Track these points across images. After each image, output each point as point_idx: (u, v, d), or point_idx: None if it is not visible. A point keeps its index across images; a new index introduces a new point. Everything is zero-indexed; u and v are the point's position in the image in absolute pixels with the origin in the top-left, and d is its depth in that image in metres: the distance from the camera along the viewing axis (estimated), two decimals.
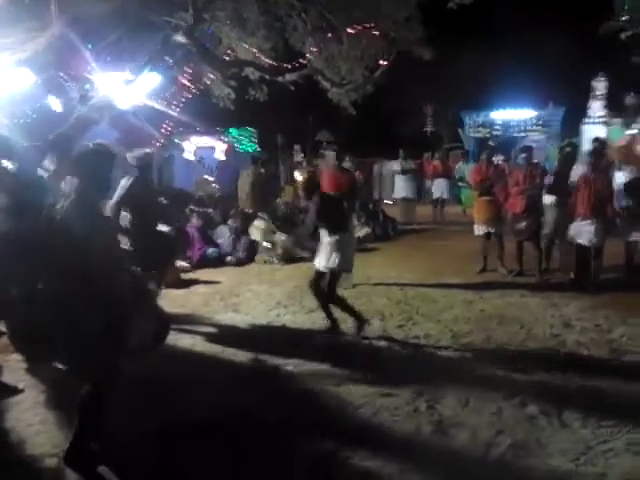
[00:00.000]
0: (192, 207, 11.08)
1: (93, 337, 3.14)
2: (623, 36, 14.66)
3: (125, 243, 5.85)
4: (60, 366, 4.06)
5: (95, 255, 3.13)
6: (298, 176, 11.56)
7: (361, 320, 5.54)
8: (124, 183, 5.96)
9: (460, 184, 13.96)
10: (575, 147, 9.59)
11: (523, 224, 7.64)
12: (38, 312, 3.43)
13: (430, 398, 4.24)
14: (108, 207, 6.17)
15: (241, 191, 12.00)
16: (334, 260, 5.38)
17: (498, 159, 14.57)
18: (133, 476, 3.38)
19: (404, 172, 13.79)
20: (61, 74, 10.34)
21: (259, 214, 10.35)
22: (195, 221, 9.85)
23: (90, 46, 9.78)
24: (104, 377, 3.34)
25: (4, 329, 5.30)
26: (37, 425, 3.94)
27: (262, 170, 12.27)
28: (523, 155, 7.96)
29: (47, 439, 3.73)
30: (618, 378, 4.54)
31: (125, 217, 5.95)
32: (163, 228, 6.64)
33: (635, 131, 15.31)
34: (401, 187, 13.83)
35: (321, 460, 3.50)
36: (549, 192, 7.83)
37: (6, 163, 5.11)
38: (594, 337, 5.46)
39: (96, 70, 10.03)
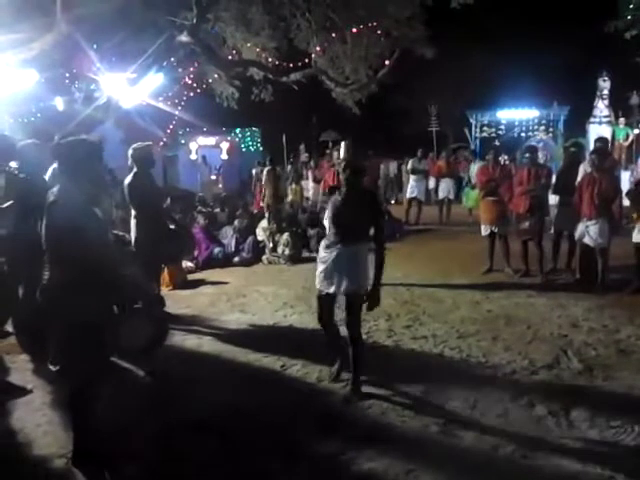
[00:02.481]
0: (200, 208, 11.12)
1: (83, 336, 3.14)
2: (628, 35, 14.60)
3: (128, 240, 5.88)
4: (53, 367, 4.07)
5: (83, 251, 3.11)
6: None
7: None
8: (125, 182, 5.97)
9: (469, 186, 13.92)
10: (580, 147, 9.55)
11: (527, 224, 7.63)
12: (39, 310, 3.43)
13: (437, 399, 4.23)
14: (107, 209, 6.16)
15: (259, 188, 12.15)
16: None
17: (504, 159, 14.60)
18: (138, 475, 3.39)
19: (413, 172, 13.77)
20: (66, 74, 10.39)
21: (265, 214, 10.38)
22: (201, 222, 9.86)
23: (95, 46, 9.81)
24: (91, 377, 3.32)
25: (11, 329, 5.33)
26: (45, 426, 3.95)
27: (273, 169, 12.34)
28: (527, 155, 7.94)
29: (55, 440, 3.74)
30: (626, 379, 4.52)
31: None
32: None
33: (638, 131, 15.29)
34: (412, 187, 13.80)
35: (327, 460, 3.51)
36: (554, 192, 7.82)
37: (13, 164, 5.15)
38: (601, 337, 5.45)
39: (101, 70, 10.07)
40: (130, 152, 5.99)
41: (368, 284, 4.25)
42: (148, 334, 3.73)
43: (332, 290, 4.30)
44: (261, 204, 12.13)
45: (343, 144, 5.10)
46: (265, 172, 12.07)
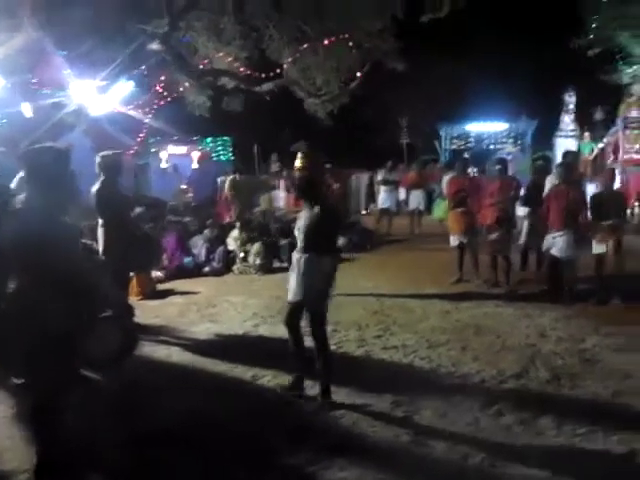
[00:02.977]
0: (170, 217, 11.01)
1: (52, 347, 3.07)
2: (591, 53, 15.01)
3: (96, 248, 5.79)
4: (16, 380, 3.97)
5: (51, 259, 3.05)
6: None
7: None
8: (92, 190, 5.89)
9: (440, 197, 14.06)
10: (548, 160, 9.76)
11: (494, 236, 7.73)
12: (4, 319, 3.35)
13: (407, 409, 4.24)
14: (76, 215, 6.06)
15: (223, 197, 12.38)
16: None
17: (473, 171, 14.79)
18: None
19: (385, 183, 13.89)
20: (34, 79, 10.21)
21: (235, 224, 10.33)
22: (173, 231, 9.77)
23: (65, 53, 9.68)
24: (58, 389, 3.23)
25: None
26: (6, 440, 3.84)
27: (238, 177, 12.40)
28: (497, 167, 8.06)
29: (16, 455, 3.63)
30: (591, 386, 4.60)
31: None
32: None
33: (602, 145, 15.71)
34: (383, 198, 13.91)
35: (298, 470, 3.49)
36: (523, 204, 7.96)
37: None
38: (568, 347, 5.53)
39: (70, 77, 9.93)
40: (98, 160, 5.92)
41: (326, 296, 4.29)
42: (117, 344, 3.66)
43: (290, 297, 4.38)
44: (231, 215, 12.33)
45: (299, 154, 5.06)
46: (228, 181, 12.14)
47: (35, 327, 3.09)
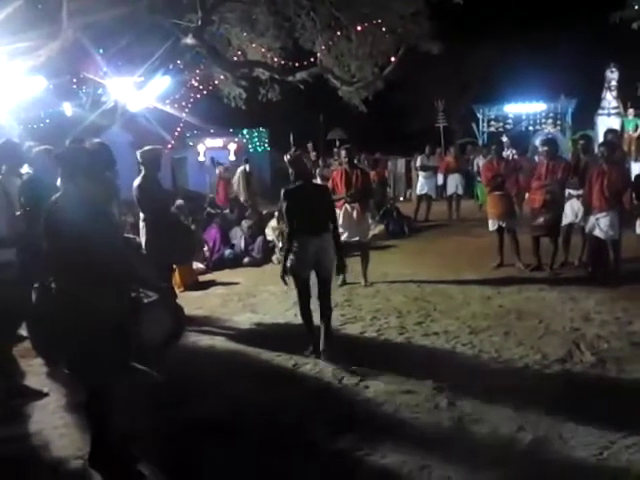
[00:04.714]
0: (209, 209, 11.17)
1: (97, 340, 3.17)
2: (635, 26, 14.46)
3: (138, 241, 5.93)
4: (66, 370, 4.11)
5: (94, 252, 3.14)
6: None
7: None
8: (134, 184, 6.03)
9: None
10: (589, 139, 9.46)
11: (541, 219, 7.54)
12: (50, 314, 3.46)
13: (450, 394, 4.23)
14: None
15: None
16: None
17: (512, 153, 14.49)
18: (155, 475, 3.42)
19: (423, 168, 13.78)
20: (74, 79, 10.46)
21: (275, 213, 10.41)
22: (214, 223, 9.93)
23: (102, 51, 9.88)
24: (110, 379, 3.34)
25: (26, 333, 5.37)
26: (61, 428, 3.99)
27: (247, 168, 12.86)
28: (545, 148, 7.81)
29: (71, 442, 3.78)
30: (639, 371, 4.50)
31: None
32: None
33: None
34: (421, 184, 13.80)
35: (342, 457, 3.52)
36: (578, 186, 7.62)
37: (25, 169, 5.20)
38: (614, 330, 5.42)
39: (108, 75, 10.14)
40: (139, 155, 6.05)
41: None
42: (166, 326, 3.75)
43: None
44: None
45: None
46: (238, 172, 12.40)
47: (84, 320, 3.20)
